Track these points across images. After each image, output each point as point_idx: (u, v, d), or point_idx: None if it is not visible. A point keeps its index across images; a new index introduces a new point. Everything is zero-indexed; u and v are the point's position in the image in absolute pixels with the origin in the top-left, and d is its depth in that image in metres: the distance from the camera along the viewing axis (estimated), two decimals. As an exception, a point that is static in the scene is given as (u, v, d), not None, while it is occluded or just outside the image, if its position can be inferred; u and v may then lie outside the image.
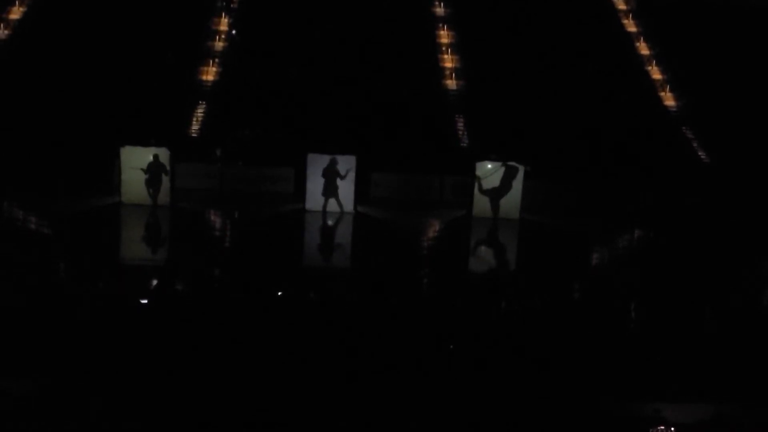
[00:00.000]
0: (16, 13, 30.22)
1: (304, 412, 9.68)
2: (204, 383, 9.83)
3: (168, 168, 21.61)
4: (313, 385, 10.01)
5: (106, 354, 10.23)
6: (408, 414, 9.88)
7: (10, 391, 9.61)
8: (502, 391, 10.50)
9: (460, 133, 27.28)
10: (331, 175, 21.90)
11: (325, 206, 22.06)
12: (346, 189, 22.06)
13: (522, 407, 10.34)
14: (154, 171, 21.51)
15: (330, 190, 21.99)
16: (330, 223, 21.87)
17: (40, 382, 9.80)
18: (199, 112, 27.19)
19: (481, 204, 22.46)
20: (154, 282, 12.94)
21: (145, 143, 21.64)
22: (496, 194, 22.34)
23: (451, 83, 29.48)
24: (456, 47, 30.95)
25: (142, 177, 21.46)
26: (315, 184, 22.07)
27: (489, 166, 22.38)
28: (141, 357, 10.18)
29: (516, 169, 22.22)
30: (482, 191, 22.35)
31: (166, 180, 21.64)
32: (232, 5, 30.22)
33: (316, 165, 22.02)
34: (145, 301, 11.47)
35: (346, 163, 21.91)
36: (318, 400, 9.83)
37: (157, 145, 21.62)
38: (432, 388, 10.30)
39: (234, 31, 30.36)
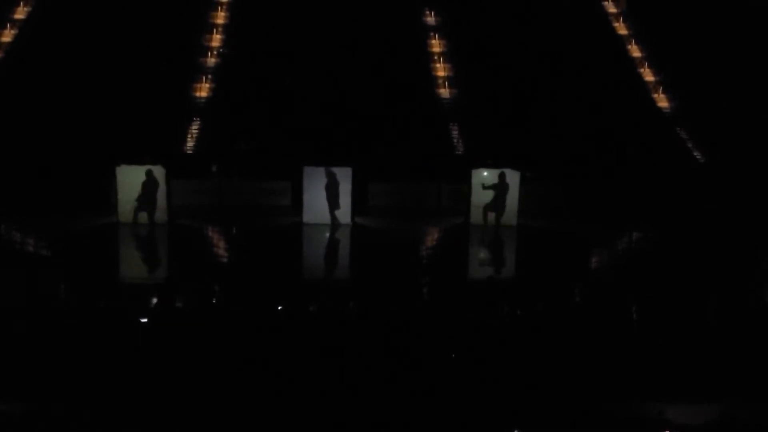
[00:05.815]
0: (8, 36, 30.25)
1: (305, 424, 9.65)
2: (205, 400, 9.80)
3: (162, 185, 21.57)
4: (314, 397, 9.98)
5: (105, 373, 10.18)
6: (410, 419, 9.86)
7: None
8: (505, 393, 10.47)
9: (455, 140, 27.31)
10: (334, 189, 21.91)
11: (333, 219, 22.06)
12: (343, 200, 22.05)
13: (525, 409, 10.32)
14: (148, 189, 21.49)
15: (334, 203, 22.00)
16: (329, 235, 21.83)
17: (31, 404, 9.68)
18: (194, 128, 27.19)
19: (478, 211, 22.45)
20: (154, 300, 12.89)
21: (141, 161, 21.62)
22: (493, 204, 22.37)
23: (445, 91, 29.53)
24: (447, 55, 31.01)
25: (139, 195, 21.46)
26: (312, 197, 22.05)
27: (485, 173, 22.37)
28: (140, 375, 10.14)
29: (507, 185, 22.23)
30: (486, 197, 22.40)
31: (162, 197, 21.60)
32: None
33: (313, 178, 22.02)
34: (144, 320, 11.42)
35: (343, 175, 21.96)
36: (319, 411, 9.80)
37: (152, 162, 21.60)
38: (434, 395, 10.27)
39: (224, 49, 30.38)
